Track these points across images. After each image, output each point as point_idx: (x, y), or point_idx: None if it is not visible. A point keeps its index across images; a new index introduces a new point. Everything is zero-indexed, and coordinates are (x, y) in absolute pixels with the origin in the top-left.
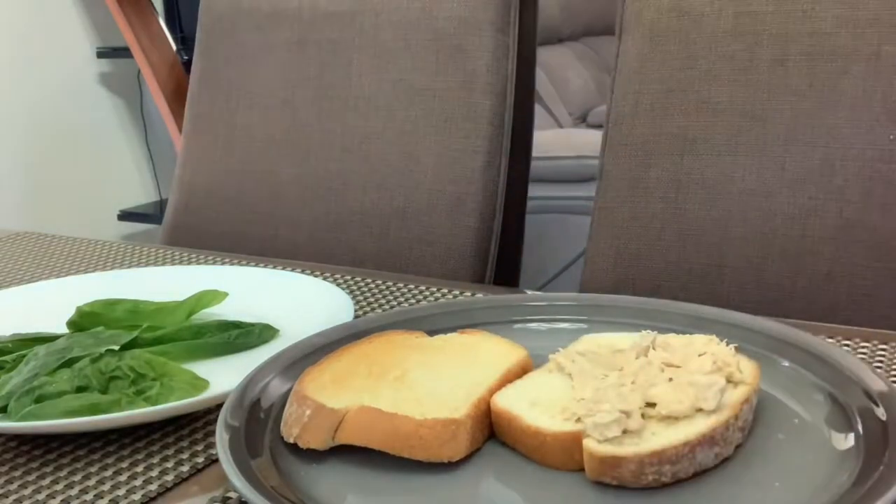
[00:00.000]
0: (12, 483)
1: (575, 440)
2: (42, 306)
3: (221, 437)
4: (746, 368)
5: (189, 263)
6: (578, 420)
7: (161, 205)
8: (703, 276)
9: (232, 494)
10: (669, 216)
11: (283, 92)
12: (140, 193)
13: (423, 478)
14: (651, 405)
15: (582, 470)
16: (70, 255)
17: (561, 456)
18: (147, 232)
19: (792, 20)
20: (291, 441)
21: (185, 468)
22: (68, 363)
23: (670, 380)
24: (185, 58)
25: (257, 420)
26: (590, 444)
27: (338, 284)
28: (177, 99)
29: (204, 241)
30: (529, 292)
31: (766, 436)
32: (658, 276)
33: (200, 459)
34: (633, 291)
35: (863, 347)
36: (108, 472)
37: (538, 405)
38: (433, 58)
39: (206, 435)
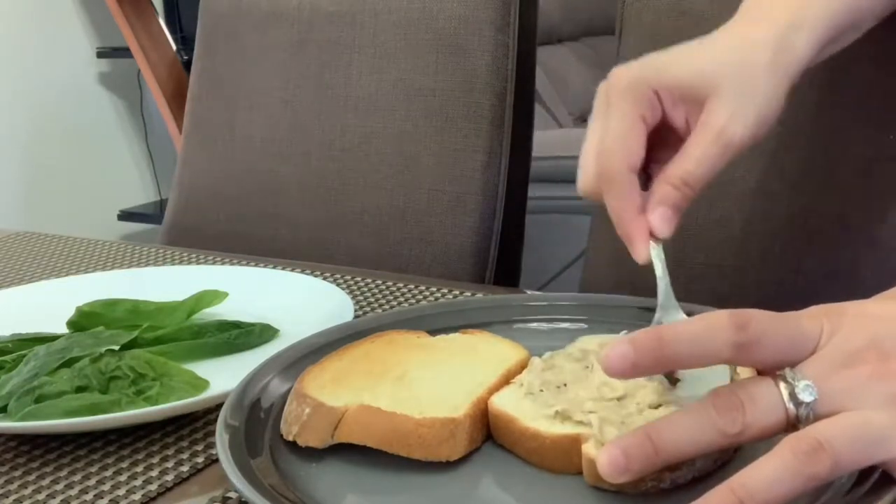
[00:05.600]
0: (12, 483)
1: (574, 444)
2: (42, 306)
3: (221, 437)
4: (746, 371)
5: (189, 263)
6: (578, 423)
7: (161, 205)
8: (703, 276)
9: (232, 494)
10: None
11: (283, 92)
12: (140, 193)
13: (422, 477)
14: (654, 407)
15: (580, 473)
16: (70, 255)
17: (559, 459)
18: (147, 232)
19: None
20: (290, 439)
21: (185, 468)
22: (68, 363)
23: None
24: (185, 58)
25: (257, 420)
26: (589, 450)
27: (338, 284)
28: (177, 99)
29: (204, 241)
30: (529, 292)
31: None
32: None
33: (200, 459)
34: (633, 291)
35: None
36: (108, 472)
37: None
38: (433, 58)
39: (206, 435)
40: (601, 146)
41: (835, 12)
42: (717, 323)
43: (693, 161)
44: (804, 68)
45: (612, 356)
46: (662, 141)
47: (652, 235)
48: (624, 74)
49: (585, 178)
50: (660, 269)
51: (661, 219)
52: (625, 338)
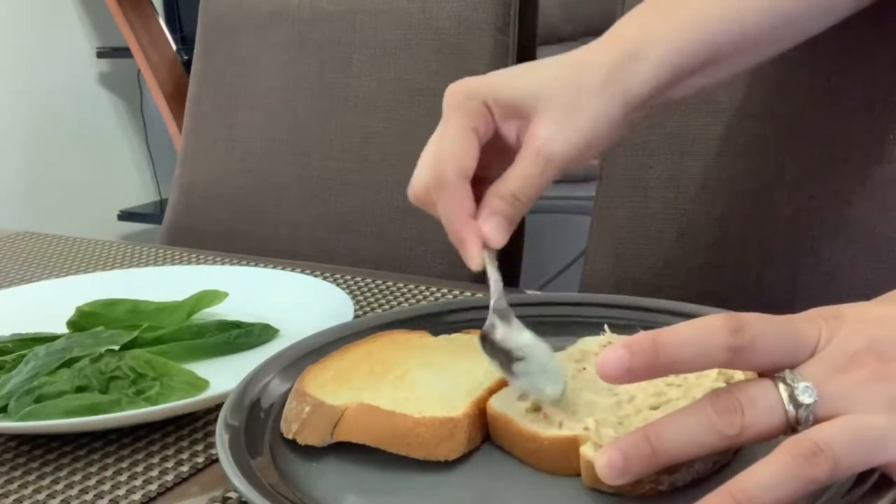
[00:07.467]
0: (12, 483)
1: (572, 445)
2: (42, 306)
3: (221, 437)
4: (745, 373)
5: (189, 263)
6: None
7: (161, 205)
8: (703, 276)
9: (232, 494)
10: (669, 216)
11: (283, 92)
12: (140, 193)
13: (421, 476)
14: (652, 408)
15: (579, 475)
16: (70, 255)
17: (558, 461)
18: (147, 232)
19: None
20: (290, 437)
21: (185, 468)
22: (68, 363)
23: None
24: (185, 58)
25: (257, 420)
26: (587, 452)
27: (338, 284)
28: (177, 99)
29: (204, 241)
30: (529, 292)
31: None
32: (658, 276)
33: (200, 459)
34: (633, 291)
35: None
36: (108, 472)
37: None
38: (433, 58)
39: (206, 435)
40: (435, 155)
41: (685, 43)
42: (712, 326)
43: (519, 179)
44: (649, 94)
45: (608, 361)
46: (499, 154)
47: (485, 244)
48: (460, 88)
49: (418, 185)
50: (493, 275)
51: (493, 228)
52: (621, 343)
